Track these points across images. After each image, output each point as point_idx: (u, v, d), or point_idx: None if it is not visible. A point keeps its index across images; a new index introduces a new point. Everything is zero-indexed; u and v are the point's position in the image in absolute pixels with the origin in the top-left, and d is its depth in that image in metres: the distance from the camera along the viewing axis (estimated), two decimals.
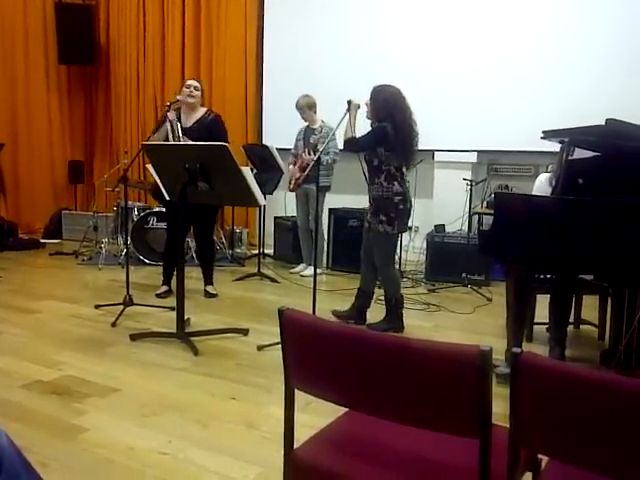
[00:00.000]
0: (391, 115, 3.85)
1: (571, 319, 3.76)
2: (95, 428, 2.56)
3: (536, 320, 3.86)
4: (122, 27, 7.95)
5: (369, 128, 3.97)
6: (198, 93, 4.63)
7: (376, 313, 4.19)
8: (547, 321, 3.58)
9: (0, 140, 6.77)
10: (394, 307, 4.08)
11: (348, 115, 3.92)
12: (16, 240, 6.94)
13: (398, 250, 5.76)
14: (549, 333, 3.52)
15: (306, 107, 5.65)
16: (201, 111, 4.68)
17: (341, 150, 4.30)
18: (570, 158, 3.08)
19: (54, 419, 2.64)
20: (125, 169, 4.41)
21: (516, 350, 1.25)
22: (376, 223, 3.94)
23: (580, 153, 3.11)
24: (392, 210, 3.91)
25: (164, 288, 4.83)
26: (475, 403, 1.26)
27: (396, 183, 3.93)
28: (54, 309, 4.43)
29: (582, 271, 3.29)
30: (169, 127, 4.49)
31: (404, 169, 4.03)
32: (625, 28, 5.44)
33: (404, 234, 5.78)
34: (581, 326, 4.13)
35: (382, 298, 4.22)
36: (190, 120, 4.62)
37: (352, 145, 3.94)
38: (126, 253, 5.01)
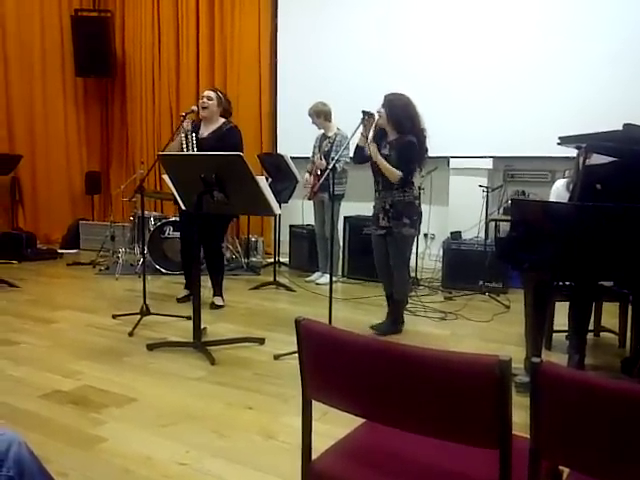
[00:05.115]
0: (414, 126, 3.96)
1: (591, 326, 3.71)
2: (113, 438, 2.56)
3: (555, 328, 3.81)
4: (137, 39, 8.05)
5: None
6: (211, 103, 4.59)
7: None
8: (566, 329, 3.54)
9: (18, 152, 6.88)
10: (401, 308, 4.22)
11: (362, 127, 3.97)
12: (34, 251, 7.01)
13: (414, 257, 5.80)
14: (568, 341, 3.47)
15: (321, 115, 5.66)
16: (219, 122, 4.66)
17: (354, 162, 4.33)
18: (587, 164, 3.05)
19: (73, 429, 2.65)
20: (142, 179, 4.44)
21: (536, 360, 1.23)
22: (400, 227, 4.03)
23: (598, 158, 3.08)
24: (415, 213, 4.09)
25: (184, 292, 4.93)
26: (495, 414, 1.24)
27: (414, 188, 4.10)
28: (72, 319, 4.47)
29: (601, 278, 3.24)
30: (183, 137, 4.52)
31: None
32: None
33: (420, 241, 5.82)
34: (601, 334, 4.07)
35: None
36: (207, 130, 4.64)
37: (405, 180, 3.98)
38: (143, 263, 5.03)
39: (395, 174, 3.94)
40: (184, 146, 4.51)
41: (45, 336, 4.02)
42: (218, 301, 4.85)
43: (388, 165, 3.94)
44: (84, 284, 5.77)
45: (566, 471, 1.44)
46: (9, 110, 7.54)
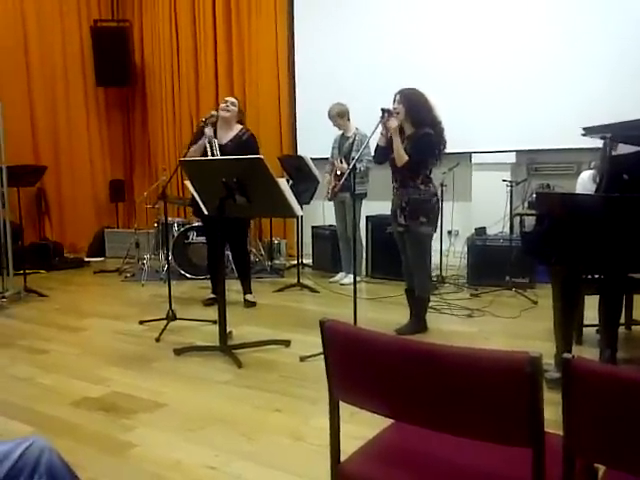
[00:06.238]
0: (432, 119, 3.92)
1: (622, 320, 3.63)
2: (143, 443, 2.58)
3: (585, 322, 3.75)
4: (156, 47, 8.12)
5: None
6: (234, 108, 4.72)
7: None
8: (597, 323, 3.47)
9: (43, 163, 6.97)
10: (424, 307, 4.15)
11: (382, 126, 3.94)
12: (61, 260, 7.13)
13: (438, 255, 5.75)
14: (599, 335, 3.40)
15: (338, 116, 5.66)
16: (237, 128, 4.75)
17: (375, 162, 4.29)
18: (614, 154, 2.98)
19: (103, 435, 2.67)
20: (164, 186, 4.47)
21: (567, 356, 1.20)
22: (417, 226, 3.97)
23: (624, 148, 3.02)
24: (431, 211, 4.02)
25: (210, 296, 5.02)
26: (526, 411, 1.21)
27: (431, 185, 4.03)
28: (100, 326, 4.52)
29: (631, 269, 3.17)
30: (207, 143, 4.57)
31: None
32: None
33: (443, 238, 5.77)
34: (633, 327, 3.99)
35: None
36: (226, 137, 4.70)
37: (413, 166, 3.91)
38: (167, 268, 5.08)
39: (403, 157, 3.86)
40: (208, 152, 4.57)
41: (74, 344, 4.07)
42: (250, 298, 4.98)
43: (400, 146, 3.87)
44: (111, 291, 5.84)
45: (602, 468, 1.40)
46: (33, 122, 7.65)
